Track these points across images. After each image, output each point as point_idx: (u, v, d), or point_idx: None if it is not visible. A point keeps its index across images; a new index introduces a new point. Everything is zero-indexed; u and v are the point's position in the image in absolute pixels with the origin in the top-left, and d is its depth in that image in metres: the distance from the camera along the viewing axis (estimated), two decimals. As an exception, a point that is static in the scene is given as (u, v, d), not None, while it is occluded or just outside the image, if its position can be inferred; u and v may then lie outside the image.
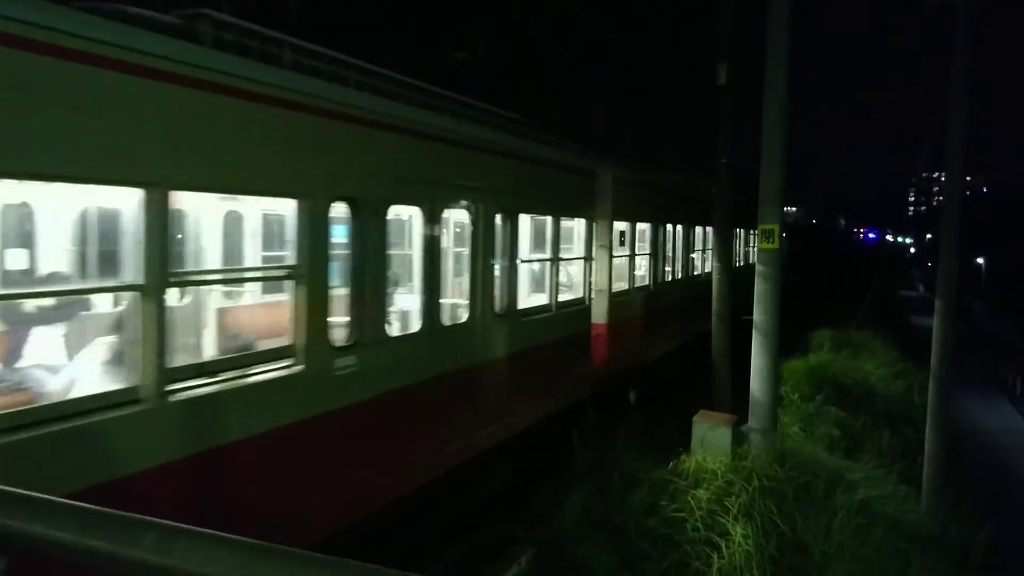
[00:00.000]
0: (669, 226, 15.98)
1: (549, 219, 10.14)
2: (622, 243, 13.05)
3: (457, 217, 8.20)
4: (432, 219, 7.28)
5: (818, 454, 8.20)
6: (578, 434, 8.54)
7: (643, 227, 14.46)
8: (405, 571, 0.94)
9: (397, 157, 6.85)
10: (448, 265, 8.13)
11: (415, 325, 7.27)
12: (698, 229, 18.72)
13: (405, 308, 7.65)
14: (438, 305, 7.47)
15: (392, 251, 7.48)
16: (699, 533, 6.53)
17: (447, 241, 7.98)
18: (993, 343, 38.03)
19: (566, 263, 10.88)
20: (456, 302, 8.24)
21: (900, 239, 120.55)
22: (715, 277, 12.82)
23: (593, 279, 11.45)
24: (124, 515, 1.04)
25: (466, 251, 8.14)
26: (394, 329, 7.07)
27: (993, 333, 41.56)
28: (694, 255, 18.59)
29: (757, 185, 8.32)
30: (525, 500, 8.69)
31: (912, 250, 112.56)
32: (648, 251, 14.63)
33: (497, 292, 8.61)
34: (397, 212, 7.37)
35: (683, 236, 17.19)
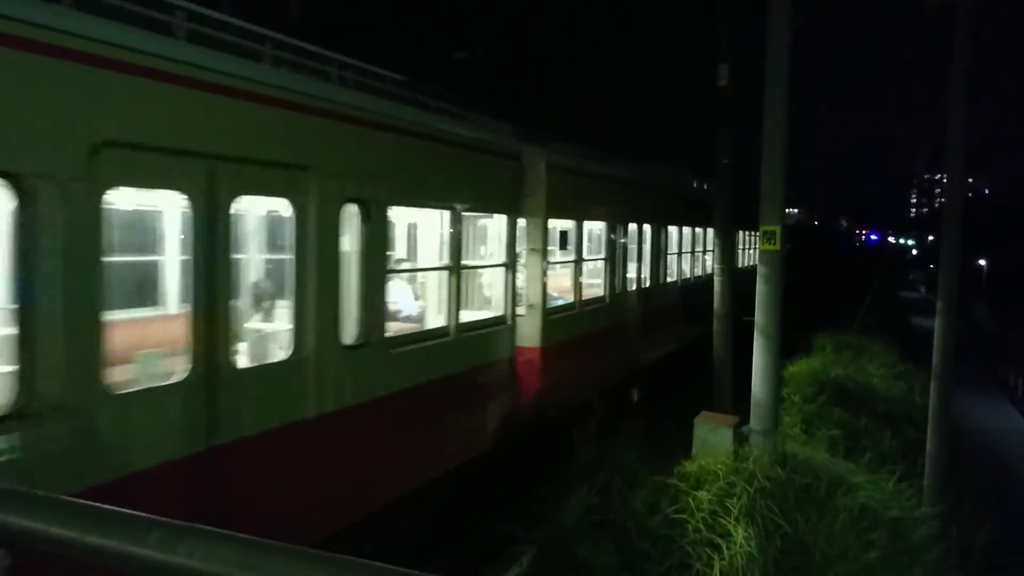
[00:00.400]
0: (634, 226, 13.63)
1: (446, 214, 7.90)
2: (564, 247, 10.92)
3: (273, 209, 6.16)
4: (213, 211, 4.98)
5: (819, 455, 8.20)
6: (579, 434, 8.53)
7: (594, 227, 11.99)
8: (404, 568, 0.95)
9: (124, 112, 4.51)
10: (252, 279, 6.22)
11: (177, 372, 4.89)
12: (675, 229, 16.49)
13: (157, 346, 5.43)
14: (228, 339, 5.13)
15: (122, 257, 5.65)
16: (700, 534, 6.53)
17: (250, 244, 6.08)
18: (994, 344, 38.03)
19: (477, 272, 8.86)
20: (268, 331, 6.22)
21: (902, 240, 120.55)
22: (716, 279, 12.84)
23: (523, 291, 9.61)
24: (128, 512, 1.04)
25: (289, 258, 5.84)
26: (126, 382, 4.74)
27: (994, 334, 41.55)
28: (672, 258, 16.28)
29: (753, 186, 8.33)
30: (526, 500, 8.69)
31: (914, 251, 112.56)
32: (603, 256, 12.22)
33: (348, 315, 6.34)
34: (134, 197, 5.60)
35: (655, 237, 14.86)
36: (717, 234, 13.16)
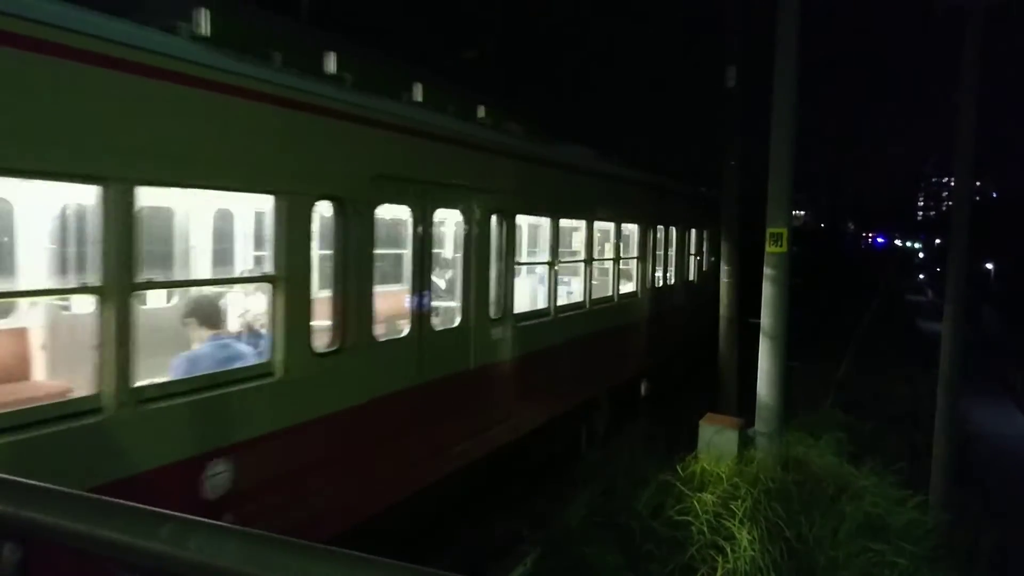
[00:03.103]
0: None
1: None
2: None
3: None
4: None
5: (825, 459, 8.18)
6: (585, 435, 8.53)
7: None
8: (412, 564, 0.96)
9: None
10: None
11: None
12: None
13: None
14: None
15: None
16: (704, 536, 6.53)
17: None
18: (1002, 348, 37.86)
19: None
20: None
21: (909, 243, 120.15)
22: (723, 281, 12.84)
23: None
24: (139, 507, 1.06)
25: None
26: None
27: (1002, 338, 41.37)
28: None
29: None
30: (530, 500, 8.69)
31: (921, 255, 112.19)
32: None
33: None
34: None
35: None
36: (724, 236, 13.15)
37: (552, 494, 8.38)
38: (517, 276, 8.76)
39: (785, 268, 8.28)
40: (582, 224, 10.29)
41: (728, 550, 6.34)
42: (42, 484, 1.12)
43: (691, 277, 15.97)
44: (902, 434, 11.93)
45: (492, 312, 7.87)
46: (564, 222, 9.86)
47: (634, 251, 12.30)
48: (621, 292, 11.69)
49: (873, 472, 8.18)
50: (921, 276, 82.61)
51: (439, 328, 7.04)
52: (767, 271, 8.30)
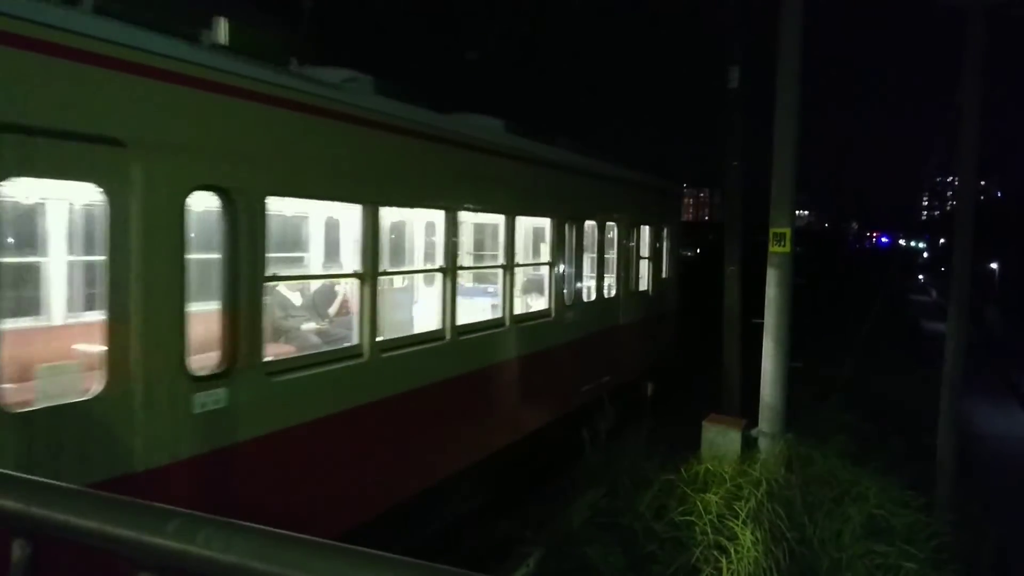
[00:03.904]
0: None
1: None
2: None
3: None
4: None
5: (829, 460, 8.19)
6: (588, 435, 8.53)
7: None
8: (420, 560, 0.97)
9: None
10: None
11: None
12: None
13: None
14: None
15: None
16: (708, 537, 6.53)
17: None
18: (1006, 348, 37.79)
19: None
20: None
21: (913, 243, 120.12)
22: (727, 280, 12.84)
23: None
24: (146, 504, 1.07)
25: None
26: None
27: (1006, 338, 41.30)
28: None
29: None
30: (533, 501, 8.70)
31: (925, 255, 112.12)
32: None
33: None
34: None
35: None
36: (728, 236, 13.13)
37: (554, 494, 8.38)
38: (294, 299, 6.02)
39: (788, 268, 8.27)
40: (439, 216, 7.02)
41: (732, 551, 6.34)
42: (51, 481, 1.14)
43: (643, 287, 12.85)
44: (905, 435, 11.91)
45: (194, 364, 4.46)
46: (401, 213, 7.06)
47: (543, 255, 9.13)
48: (519, 312, 8.33)
49: (876, 473, 8.18)
50: (921, 277, 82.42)
51: (32, 408, 3.67)
52: (770, 271, 8.30)
